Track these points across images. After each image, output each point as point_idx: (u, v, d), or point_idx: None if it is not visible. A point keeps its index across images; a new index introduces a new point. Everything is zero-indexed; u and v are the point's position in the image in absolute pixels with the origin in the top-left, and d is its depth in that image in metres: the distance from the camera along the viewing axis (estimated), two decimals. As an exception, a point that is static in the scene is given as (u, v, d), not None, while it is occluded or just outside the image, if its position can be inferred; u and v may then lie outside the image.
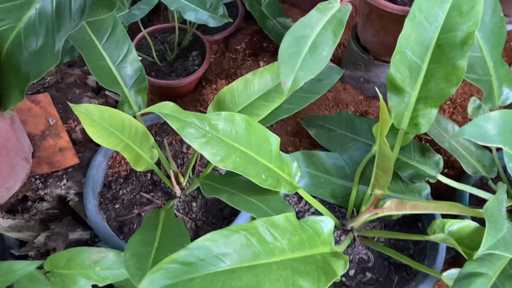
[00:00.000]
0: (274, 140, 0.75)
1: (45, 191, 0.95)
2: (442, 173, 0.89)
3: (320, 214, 0.92)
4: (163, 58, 1.20)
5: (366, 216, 0.84)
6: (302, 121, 1.05)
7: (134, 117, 0.83)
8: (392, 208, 0.78)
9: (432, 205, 0.76)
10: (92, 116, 0.74)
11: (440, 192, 1.03)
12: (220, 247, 0.52)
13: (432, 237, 0.76)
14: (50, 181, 0.96)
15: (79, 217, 1.06)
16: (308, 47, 0.78)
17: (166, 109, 0.62)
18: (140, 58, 1.11)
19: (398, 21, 0.86)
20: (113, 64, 0.83)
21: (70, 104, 0.72)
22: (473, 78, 0.77)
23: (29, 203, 0.98)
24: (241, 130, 0.69)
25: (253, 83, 0.87)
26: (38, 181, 0.97)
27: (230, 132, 0.68)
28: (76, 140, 1.05)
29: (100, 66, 0.81)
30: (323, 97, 1.14)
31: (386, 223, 0.95)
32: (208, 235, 0.52)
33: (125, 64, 0.84)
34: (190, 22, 1.17)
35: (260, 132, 0.73)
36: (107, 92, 1.20)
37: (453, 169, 1.07)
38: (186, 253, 0.50)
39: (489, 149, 0.93)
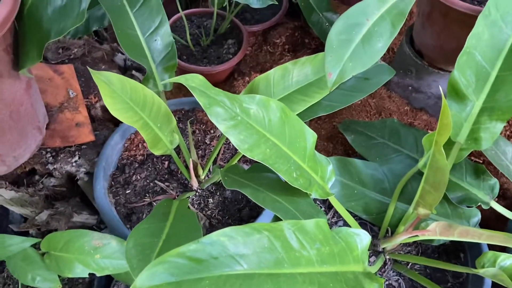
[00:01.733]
0: (311, 136, 0.66)
1: (55, 166, 0.88)
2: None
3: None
4: (197, 42, 1.13)
5: (403, 237, 0.73)
6: (340, 125, 0.95)
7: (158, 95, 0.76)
8: (436, 231, 0.68)
9: (486, 233, 0.65)
10: (112, 86, 0.67)
11: (487, 223, 0.91)
12: (238, 246, 0.43)
13: (481, 271, 0.65)
14: (61, 156, 0.89)
15: (88, 200, 0.99)
16: (362, 37, 0.69)
17: (194, 81, 0.54)
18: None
19: (465, 22, 0.76)
20: (143, 35, 0.76)
21: (90, 70, 0.65)
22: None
23: (37, 177, 0.91)
24: (275, 119, 0.60)
25: (292, 73, 0.79)
26: (48, 155, 0.90)
27: (263, 119, 0.59)
28: (95, 116, 0.98)
29: (129, 34, 0.75)
30: (365, 103, 1.04)
31: (423, 249, 0.84)
32: (226, 230, 0.43)
33: (155, 37, 0.77)
34: (229, 8, 1.10)
35: (296, 124, 0.64)
36: (134, 72, 1.14)
37: (505, 198, 0.95)
38: (197, 247, 0.41)
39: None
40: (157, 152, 0.75)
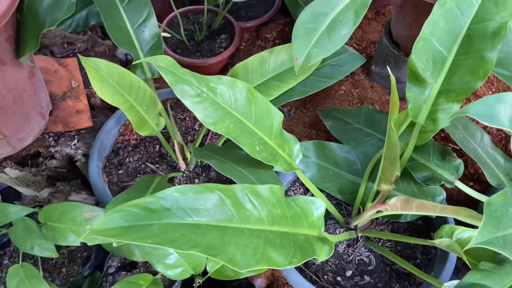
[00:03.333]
0: (277, 116, 0.72)
1: (56, 149, 0.97)
2: (468, 186, 0.81)
3: (326, 212, 0.87)
4: (191, 38, 1.20)
5: (370, 213, 0.78)
6: (320, 112, 1.01)
7: (146, 82, 0.83)
8: (397, 206, 0.72)
9: (439, 206, 0.69)
10: (99, 71, 0.74)
11: (461, 206, 0.95)
12: (190, 201, 0.49)
13: (436, 242, 0.69)
14: (62, 139, 0.98)
15: (88, 183, 1.07)
16: (327, 25, 0.74)
17: (163, 62, 0.60)
18: (169, 35, 1.12)
19: (431, 12, 0.80)
20: (132, 27, 0.84)
21: (80, 56, 0.73)
22: (504, 74, 0.70)
23: (41, 159, 1.00)
24: (241, 98, 0.66)
25: (269, 61, 0.85)
26: (51, 139, 0.98)
27: (229, 98, 0.65)
28: (94, 105, 1.07)
29: (119, 26, 0.82)
30: (348, 93, 1.09)
31: (395, 228, 0.88)
32: (179, 187, 0.50)
33: (143, 28, 0.84)
34: (222, 4, 1.17)
35: (263, 104, 0.70)
36: (134, 66, 1.22)
37: (480, 183, 0.99)
38: (151, 200, 0.48)
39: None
40: (143, 133, 0.82)
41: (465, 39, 0.70)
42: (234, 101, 0.66)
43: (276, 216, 0.57)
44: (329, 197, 0.91)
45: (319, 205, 0.64)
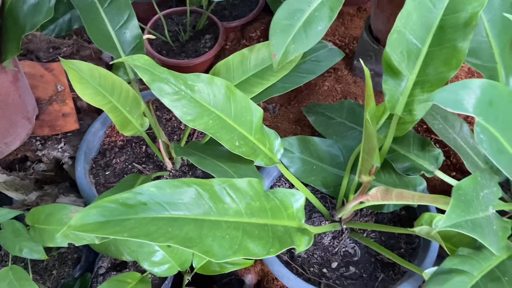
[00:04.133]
0: (257, 112, 0.73)
1: (43, 152, 0.98)
2: (450, 176, 0.83)
3: (311, 205, 0.89)
4: (176, 39, 1.21)
5: (352, 204, 0.79)
6: (304, 108, 1.02)
7: (129, 83, 0.84)
8: (377, 196, 0.74)
9: (418, 195, 0.70)
10: (81, 73, 0.75)
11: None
12: (166, 195, 0.50)
13: (416, 230, 0.70)
14: (49, 143, 0.99)
15: (76, 185, 1.07)
16: (303, 21, 0.76)
17: (140, 61, 0.62)
18: (154, 37, 1.13)
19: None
20: (113, 29, 0.85)
21: (60, 59, 0.74)
22: (476, 63, 0.71)
23: (28, 163, 1.01)
24: (219, 95, 0.68)
25: (249, 58, 0.86)
26: (38, 142, 0.99)
27: (207, 95, 0.66)
28: (80, 108, 1.07)
29: (99, 28, 0.83)
30: (331, 88, 1.11)
31: (380, 219, 0.90)
32: (156, 182, 0.51)
33: (124, 30, 0.85)
34: (205, 5, 1.18)
35: (242, 101, 0.71)
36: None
37: (463, 173, 1.00)
38: (128, 195, 0.49)
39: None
40: (127, 133, 0.83)
41: (438, 30, 0.72)
42: (213, 98, 0.67)
43: (255, 208, 0.58)
44: (314, 191, 0.93)
45: (298, 197, 0.65)
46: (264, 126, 0.75)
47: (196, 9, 1.25)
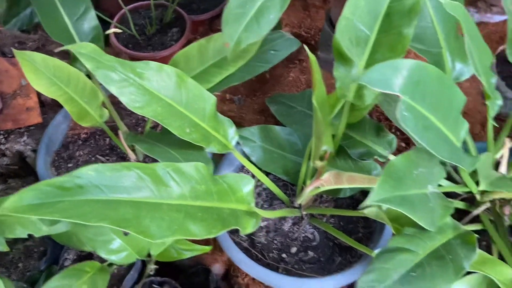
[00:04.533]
0: (210, 99, 0.74)
1: (6, 146, 0.98)
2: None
3: (272, 193, 0.90)
4: (143, 32, 1.22)
5: (308, 189, 0.81)
6: (267, 99, 1.03)
7: (88, 75, 0.85)
8: (331, 180, 0.75)
9: (368, 177, 0.72)
10: (35, 64, 0.75)
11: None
12: (105, 178, 0.51)
13: (365, 212, 0.72)
14: (12, 137, 0.99)
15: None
16: (255, 10, 0.77)
17: (85, 49, 0.62)
18: (120, 30, 1.13)
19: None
20: (70, 20, 0.85)
21: (14, 50, 0.74)
22: (421, 49, 0.73)
23: (-8, 158, 1.01)
24: (170, 83, 0.69)
25: (208, 48, 0.87)
26: (1, 136, 0.99)
27: (157, 83, 0.67)
28: (45, 102, 1.08)
29: (56, 20, 0.83)
30: (296, 79, 1.12)
31: (339, 204, 0.91)
32: (95, 165, 0.52)
33: (82, 22, 0.86)
34: (171, -1, 1.19)
35: (194, 89, 0.72)
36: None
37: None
38: (66, 179, 0.50)
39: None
40: (85, 124, 0.83)
41: (385, 17, 0.73)
42: (163, 85, 0.68)
43: (200, 192, 0.59)
44: (277, 178, 0.94)
45: (248, 182, 0.66)
46: (219, 114, 0.76)
47: (163, 2, 1.26)
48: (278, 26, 1.08)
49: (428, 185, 0.60)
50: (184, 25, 1.22)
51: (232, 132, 0.77)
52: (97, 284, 0.76)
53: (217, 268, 1.07)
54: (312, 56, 0.67)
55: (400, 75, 0.49)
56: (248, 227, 0.62)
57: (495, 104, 0.65)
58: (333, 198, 0.92)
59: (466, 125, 0.60)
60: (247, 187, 0.66)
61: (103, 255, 0.75)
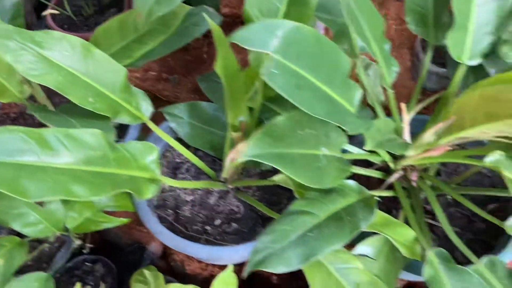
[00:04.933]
0: (121, 71, 0.74)
1: None
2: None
3: (197, 167, 0.91)
4: (80, 13, 1.21)
5: (227, 162, 0.82)
6: (199, 77, 1.04)
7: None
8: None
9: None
10: None
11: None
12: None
13: (276, 179, 0.74)
14: None
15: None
16: (167, -18, 0.77)
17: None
18: (57, 12, 1.13)
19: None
20: (-12, -3, 0.84)
21: None
22: (325, 18, 0.75)
23: None
24: (74, 53, 0.69)
25: (128, 23, 0.87)
26: None
27: (59, 52, 0.67)
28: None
29: (-29, -4, 0.83)
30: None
31: (264, 177, 0.93)
32: (-24, 129, 0.52)
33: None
34: (108, -22, 1.19)
35: (102, 60, 0.72)
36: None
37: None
38: None
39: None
40: (4, 100, 0.83)
41: (294, -12, 0.75)
42: (66, 55, 0.68)
43: (94, 158, 0.60)
44: (206, 154, 0.95)
45: (151, 150, 0.67)
46: (133, 87, 0.77)
47: (100, -18, 1.25)
48: (216, 6, 1.09)
49: (322, 147, 0.61)
50: (122, 6, 1.22)
51: (146, 104, 0.77)
52: (14, 257, 0.76)
53: (154, 247, 1.08)
54: (214, 25, 0.67)
55: (274, 35, 0.50)
56: (147, 193, 0.62)
57: (391, 71, 0.67)
58: (261, 171, 0.93)
59: (359, 90, 0.62)
60: (151, 155, 0.67)
61: (17, 228, 0.75)
